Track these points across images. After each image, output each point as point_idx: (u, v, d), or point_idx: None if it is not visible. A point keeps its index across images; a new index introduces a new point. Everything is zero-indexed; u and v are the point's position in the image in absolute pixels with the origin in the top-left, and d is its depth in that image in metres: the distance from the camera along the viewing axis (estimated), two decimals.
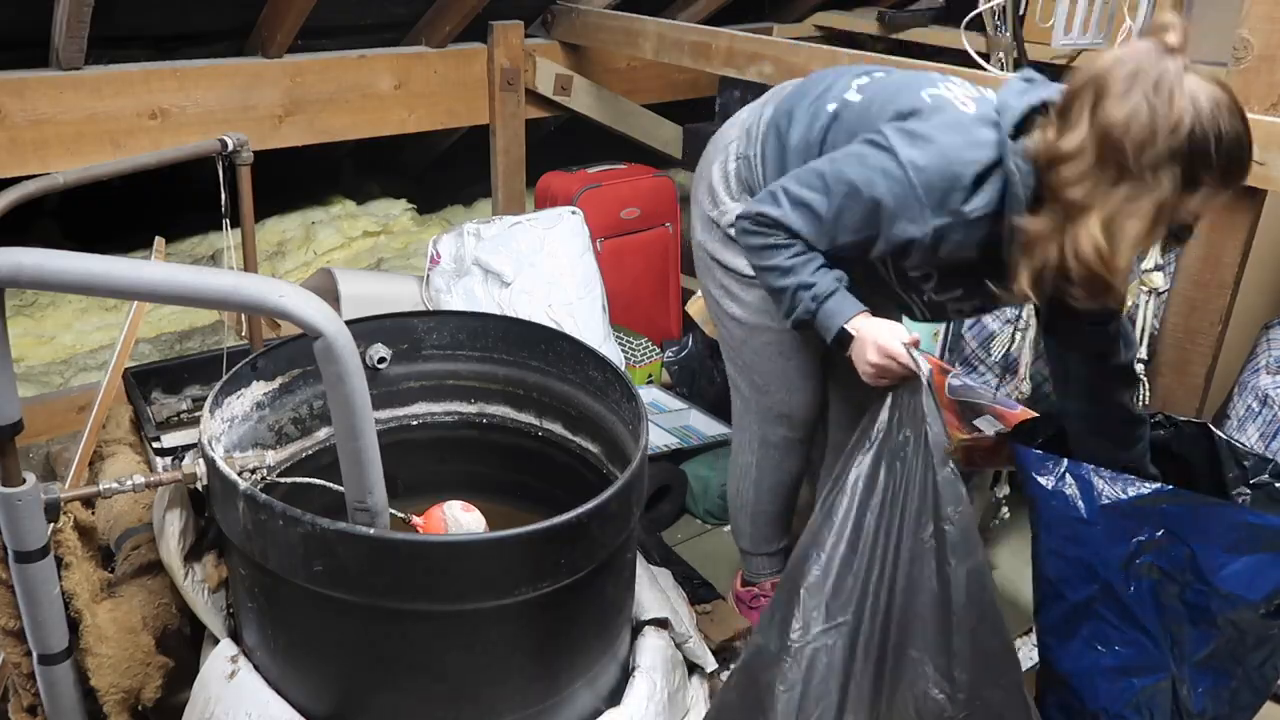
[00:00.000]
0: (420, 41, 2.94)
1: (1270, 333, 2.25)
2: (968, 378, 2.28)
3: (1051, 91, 1.41)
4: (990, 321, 2.29)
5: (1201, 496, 1.47)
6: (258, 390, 1.65)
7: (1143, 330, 1.89)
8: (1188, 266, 1.80)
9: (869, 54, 2.23)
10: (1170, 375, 1.87)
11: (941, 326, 2.37)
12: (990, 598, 1.38)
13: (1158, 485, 1.45)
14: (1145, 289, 1.89)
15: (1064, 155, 1.32)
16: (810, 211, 1.50)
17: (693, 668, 1.77)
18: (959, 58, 2.30)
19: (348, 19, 2.75)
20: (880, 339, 1.46)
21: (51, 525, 1.46)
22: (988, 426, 1.94)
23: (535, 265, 2.50)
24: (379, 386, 1.76)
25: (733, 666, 1.96)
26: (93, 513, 1.73)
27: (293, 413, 1.72)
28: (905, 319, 1.76)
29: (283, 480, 1.61)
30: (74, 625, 1.54)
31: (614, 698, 1.56)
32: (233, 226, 1.87)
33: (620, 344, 2.77)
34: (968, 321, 2.32)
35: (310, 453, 1.74)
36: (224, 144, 1.83)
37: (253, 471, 1.57)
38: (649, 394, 2.77)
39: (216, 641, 1.55)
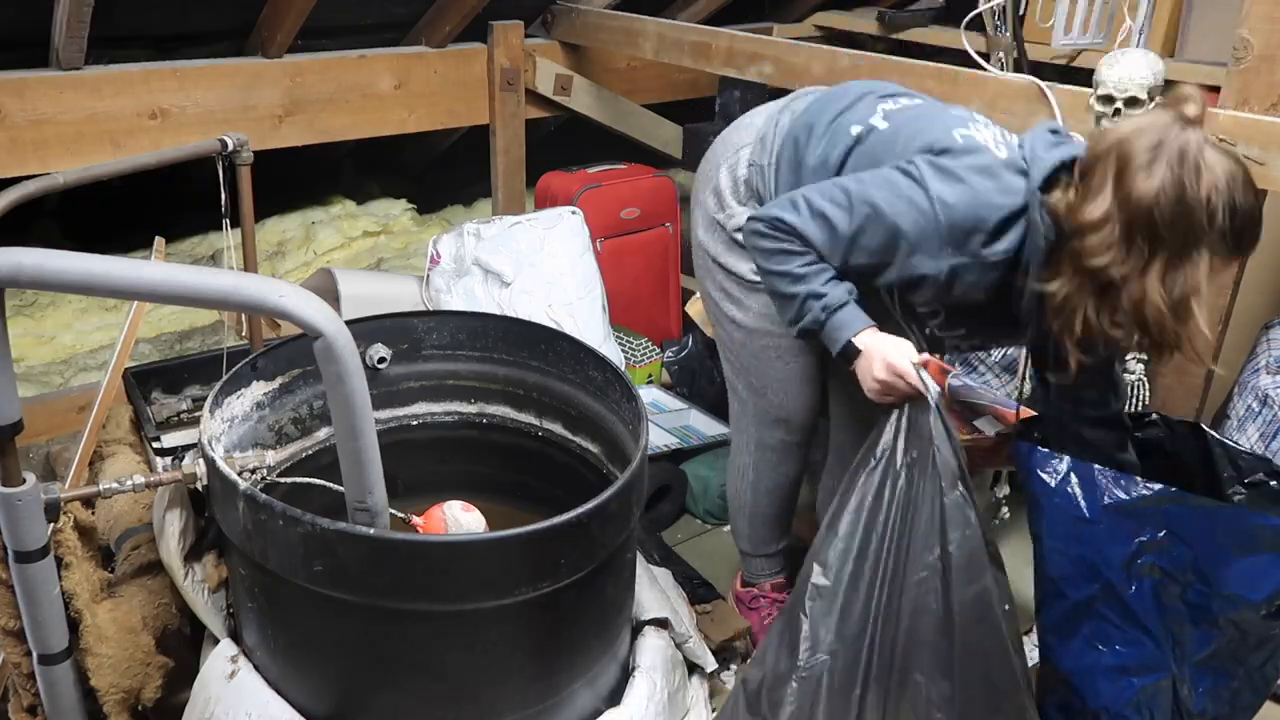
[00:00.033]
0: (420, 41, 2.94)
1: (1270, 333, 2.25)
2: (968, 378, 2.28)
3: (1077, 149, 1.43)
4: None
5: (1204, 498, 1.47)
6: (258, 390, 1.65)
7: None
8: None
9: (869, 54, 2.22)
10: (1170, 375, 1.87)
11: None
12: (995, 622, 1.38)
13: (1160, 486, 1.45)
14: None
15: (1089, 224, 1.33)
16: (829, 225, 1.49)
17: (693, 668, 1.77)
18: (959, 58, 2.29)
19: (348, 19, 2.75)
20: (890, 356, 1.46)
21: (51, 525, 1.46)
22: (988, 427, 1.94)
23: (535, 265, 2.50)
24: (379, 386, 1.76)
25: (735, 668, 1.97)
26: (93, 513, 1.73)
27: (293, 413, 1.72)
28: None
29: (283, 480, 1.61)
30: (74, 625, 1.54)
31: (614, 698, 1.56)
32: (233, 226, 1.87)
33: (620, 344, 2.77)
34: None
35: (310, 453, 1.74)
36: (224, 144, 1.83)
37: (253, 471, 1.57)
38: (649, 394, 2.77)
39: (216, 641, 1.55)
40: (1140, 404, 1.94)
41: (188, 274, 1.28)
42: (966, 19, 2.38)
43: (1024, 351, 2.18)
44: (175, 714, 1.55)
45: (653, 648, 1.63)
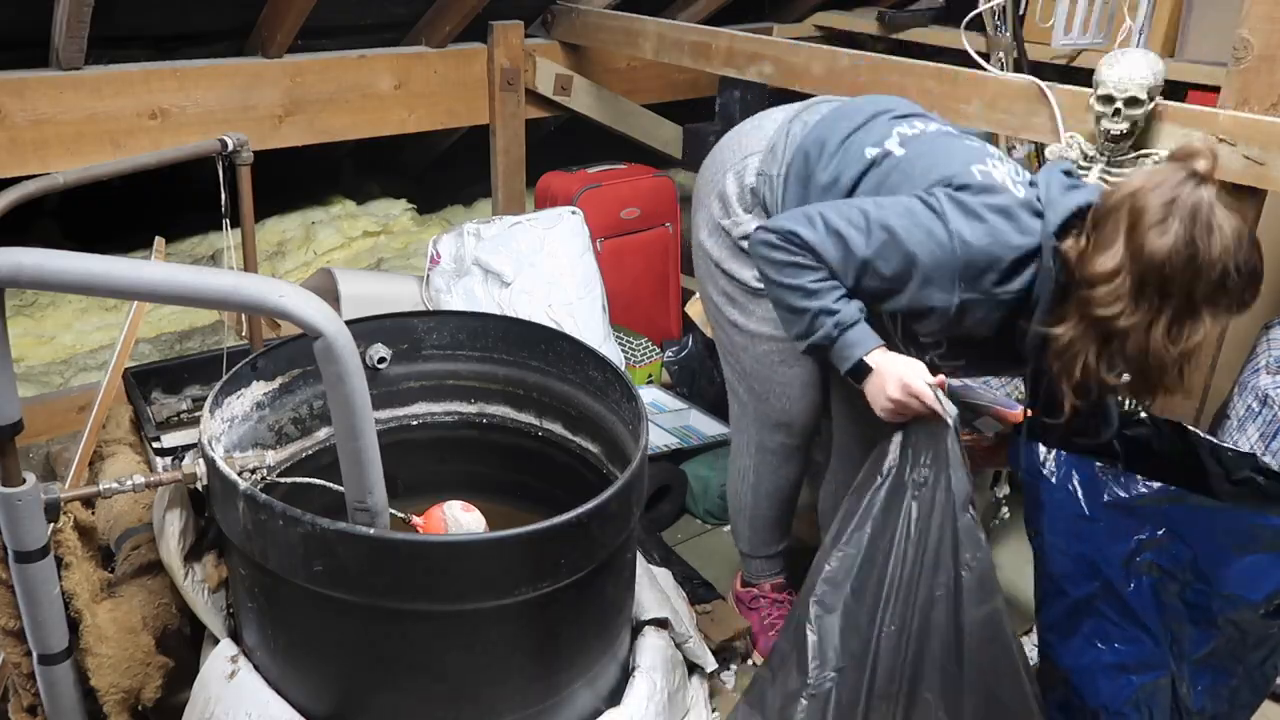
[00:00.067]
0: (420, 41, 2.94)
1: (1270, 333, 2.25)
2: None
3: (1091, 194, 1.44)
4: None
5: (1203, 497, 1.47)
6: (258, 390, 1.65)
7: None
8: None
9: (869, 54, 2.23)
10: None
11: None
12: (1005, 643, 1.39)
13: (1160, 484, 1.45)
14: None
15: (1101, 275, 1.35)
16: (844, 244, 1.48)
17: (693, 668, 1.77)
18: (959, 58, 2.30)
19: (348, 19, 2.75)
20: (905, 377, 1.45)
21: (51, 525, 1.46)
22: (987, 427, 1.94)
23: (535, 265, 2.50)
24: (379, 386, 1.76)
25: (735, 668, 1.97)
26: (93, 513, 1.73)
27: (293, 413, 1.72)
28: None
29: (283, 480, 1.61)
30: (74, 625, 1.54)
31: (614, 698, 1.56)
32: (233, 226, 1.87)
33: (620, 344, 2.77)
34: None
35: (310, 453, 1.74)
36: (224, 144, 1.83)
37: (253, 471, 1.57)
38: (649, 394, 2.77)
39: (216, 641, 1.55)
40: (1138, 404, 1.93)
41: (188, 274, 1.28)
42: (966, 19, 2.38)
43: None
44: (175, 714, 1.55)
45: (653, 648, 1.63)
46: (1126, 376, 1.40)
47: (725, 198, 1.76)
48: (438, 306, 2.52)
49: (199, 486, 1.49)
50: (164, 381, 2.22)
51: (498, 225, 2.57)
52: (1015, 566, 2.25)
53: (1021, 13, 2.56)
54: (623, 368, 1.87)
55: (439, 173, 3.75)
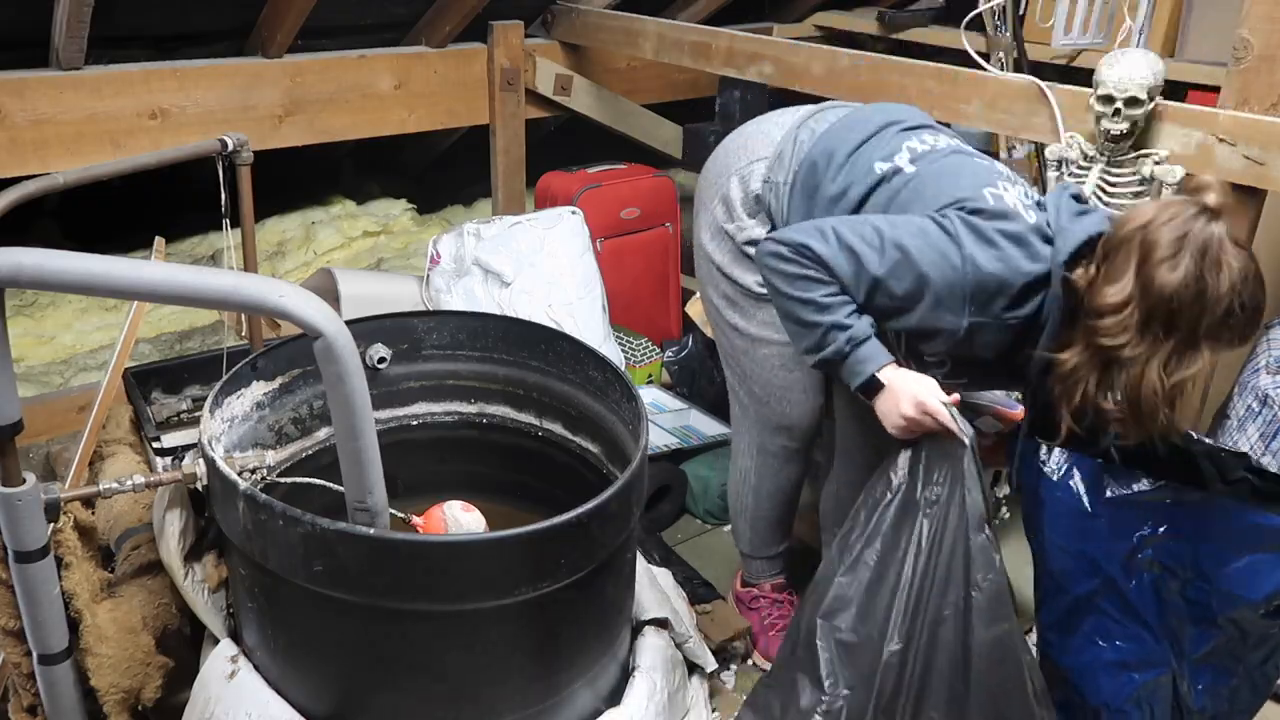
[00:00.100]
0: (420, 41, 2.94)
1: (1270, 333, 2.25)
2: None
3: (1101, 221, 1.45)
4: None
5: (1205, 495, 1.47)
6: (258, 390, 1.65)
7: None
8: None
9: (869, 54, 2.22)
10: None
11: None
12: (1015, 663, 1.39)
13: (1162, 482, 1.46)
14: None
15: (1109, 306, 1.36)
16: (858, 261, 1.46)
17: (693, 668, 1.77)
18: (959, 58, 2.29)
19: (348, 19, 2.75)
20: (920, 395, 1.44)
21: (51, 525, 1.46)
22: (987, 427, 1.94)
23: (535, 265, 2.50)
24: (379, 386, 1.76)
25: (735, 668, 1.97)
26: (93, 513, 1.73)
27: (293, 413, 1.72)
28: None
29: (283, 480, 1.61)
30: (74, 625, 1.54)
31: (614, 698, 1.56)
32: (233, 226, 1.87)
33: (620, 344, 2.77)
34: None
35: (310, 453, 1.74)
36: (224, 144, 1.83)
37: (253, 471, 1.57)
38: (649, 394, 2.77)
39: (216, 641, 1.55)
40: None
41: (188, 274, 1.28)
42: (966, 19, 2.38)
43: None
44: (175, 714, 1.55)
45: (653, 648, 1.63)
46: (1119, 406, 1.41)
47: (729, 201, 1.75)
48: (438, 306, 2.52)
49: (199, 486, 1.49)
50: (164, 381, 2.22)
51: (498, 225, 2.57)
52: (1015, 566, 2.25)
53: (1021, 13, 2.56)
54: (623, 368, 1.87)
55: (439, 173, 3.75)
